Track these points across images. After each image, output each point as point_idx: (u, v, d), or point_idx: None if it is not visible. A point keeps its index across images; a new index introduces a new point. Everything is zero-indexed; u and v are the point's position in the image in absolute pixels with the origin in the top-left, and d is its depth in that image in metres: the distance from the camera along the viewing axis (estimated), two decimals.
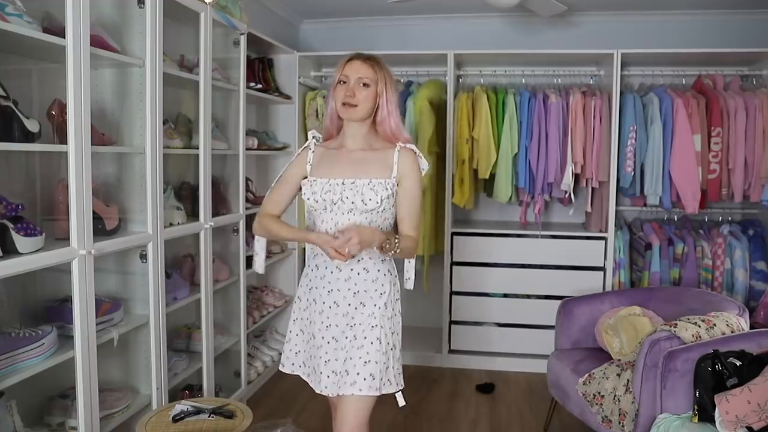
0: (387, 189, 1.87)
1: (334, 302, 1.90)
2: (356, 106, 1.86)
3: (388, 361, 1.88)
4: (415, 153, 1.94)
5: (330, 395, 1.91)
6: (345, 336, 1.89)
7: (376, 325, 1.87)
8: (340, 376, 1.86)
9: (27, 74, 2.09)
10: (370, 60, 1.90)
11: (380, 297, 1.90)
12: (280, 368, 2.07)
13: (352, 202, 1.85)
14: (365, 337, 1.87)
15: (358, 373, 1.84)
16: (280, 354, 3.82)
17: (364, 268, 1.90)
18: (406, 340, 2.24)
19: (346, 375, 1.85)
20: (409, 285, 2.13)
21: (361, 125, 1.91)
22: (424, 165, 1.96)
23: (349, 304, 1.89)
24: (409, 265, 2.11)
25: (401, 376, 1.94)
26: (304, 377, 2.00)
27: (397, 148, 1.92)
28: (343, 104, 1.86)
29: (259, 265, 2.16)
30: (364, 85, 1.86)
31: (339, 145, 1.96)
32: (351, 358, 1.86)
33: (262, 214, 2.01)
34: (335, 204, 1.86)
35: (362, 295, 1.89)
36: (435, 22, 4.29)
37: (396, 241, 1.85)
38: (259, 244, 2.13)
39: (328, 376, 1.89)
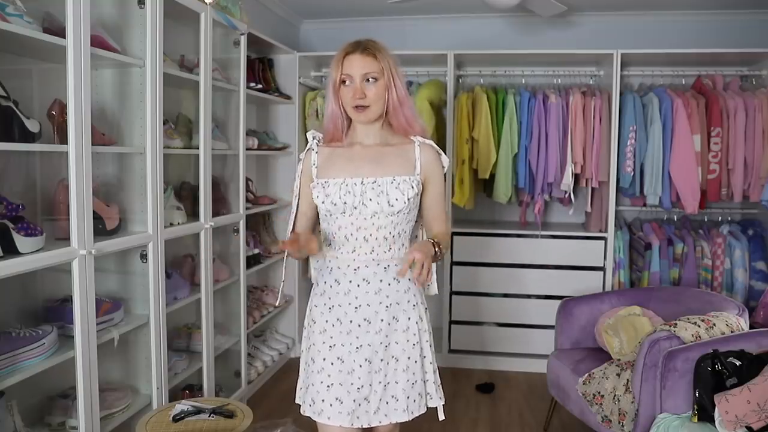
0: (413, 187, 1.70)
1: (365, 319, 1.72)
2: (369, 106, 1.68)
3: (427, 375, 1.79)
4: (435, 149, 1.79)
5: (365, 425, 1.73)
6: (380, 358, 1.72)
7: (417, 343, 1.75)
8: (383, 403, 1.71)
9: (27, 74, 2.09)
10: (368, 50, 1.68)
11: (413, 309, 1.76)
12: (316, 418, 1.74)
13: (377, 204, 1.67)
14: (408, 357, 1.73)
15: (408, 397, 1.72)
16: (281, 354, 3.87)
17: (394, 278, 1.73)
18: None
19: (395, 402, 1.71)
20: (433, 290, 1.91)
21: (374, 121, 1.74)
22: (445, 161, 1.81)
23: (382, 320, 1.72)
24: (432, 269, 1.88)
25: (440, 387, 1.83)
26: (346, 421, 1.70)
27: (416, 143, 1.76)
28: (354, 108, 1.68)
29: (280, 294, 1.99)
30: (372, 79, 1.67)
31: (350, 143, 1.77)
32: (397, 382, 1.72)
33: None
34: (356, 208, 1.68)
35: (395, 309, 1.73)
36: (435, 22, 4.29)
37: (438, 246, 1.69)
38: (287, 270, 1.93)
39: (360, 405, 1.70)
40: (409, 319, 1.76)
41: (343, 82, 1.69)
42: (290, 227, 1.84)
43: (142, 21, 2.25)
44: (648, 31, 4.05)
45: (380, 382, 1.72)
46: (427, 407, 1.80)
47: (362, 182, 1.69)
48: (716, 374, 2.12)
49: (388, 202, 1.67)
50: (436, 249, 1.68)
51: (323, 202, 1.70)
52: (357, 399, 1.71)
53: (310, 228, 1.85)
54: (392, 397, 1.73)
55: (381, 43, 1.73)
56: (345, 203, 1.68)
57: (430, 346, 1.81)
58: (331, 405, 1.71)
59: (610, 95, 3.65)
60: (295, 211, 1.83)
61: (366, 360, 1.72)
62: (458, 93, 3.90)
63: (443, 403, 1.82)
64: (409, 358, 1.74)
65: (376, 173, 1.70)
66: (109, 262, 2.33)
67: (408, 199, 1.69)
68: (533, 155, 3.71)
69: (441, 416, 1.81)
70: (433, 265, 1.87)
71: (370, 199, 1.67)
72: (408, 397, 1.73)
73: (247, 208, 3.24)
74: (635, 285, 3.79)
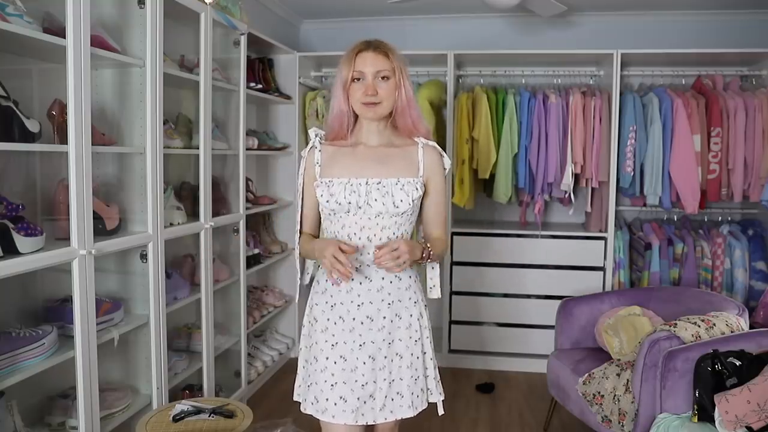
0: (417, 189, 1.72)
1: (367, 317, 1.73)
2: (380, 103, 1.69)
3: (428, 370, 1.80)
4: (438, 151, 1.80)
5: (370, 422, 1.73)
6: (384, 356, 1.73)
7: (418, 339, 1.77)
8: (388, 400, 1.72)
9: (27, 74, 2.09)
10: (381, 48, 1.70)
11: (414, 306, 1.78)
12: (320, 416, 1.73)
13: (383, 204, 1.69)
14: (411, 354, 1.75)
15: (412, 393, 1.74)
16: (281, 354, 3.86)
17: (396, 276, 1.75)
18: None
19: (400, 398, 1.73)
20: (435, 293, 1.91)
21: (381, 120, 1.75)
22: (447, 163, 1.82)
23: (384, 317, 1.74)
24: (433, 272, 1.89)
25: (440, 383, 1.84)
26: (350, 419, 1.70)
27: (420, 144, 1.77)
28: (364, 104, 1.69)
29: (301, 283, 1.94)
30: (384, 78, 1.69)
31: (354, 143, 1.78)
32: (402, 379, 1.74)
33: (302, 236, 1.85)
34: (360, 207, 1.69)
35: (397, 306, 1.75)
36: (435, 22, 4.29)
37: (428, 248, 1.73)
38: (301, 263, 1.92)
39: (365, 402, 1.71)
40: (411, 316, 1.77)
41: (355, 79, 1.70)
42: (298, 225, 1.87)
43: (142, 21, 2.25)
44: (648, 31, 4.05)
45: (385, 380, 1.73)
46: (428, 402, 1.81)
47: (367, 183, 1.70)
48: (716, 374, 2.12)
49: (393, 203, 1.69)
50: (424, 254, 1.72)
51: (327, 201, 1.71)
52: (362, 397, 1.72)
53: (317, 225, 1.87)
54: (397, 393, 1.74)
55: (391, 44, 1.75)
56: (350, 203, 1.69)
57: (430, 342, 1.83)
58: (335, 404, 1.71)
59: (610, 95, 3.64)
60: (300, 210, 1.86)
61: (369, 357, 1.73)
62: (458, 93, 3.90)
63: (443, 398, 1.84)
64: (411, 354, 1.76)
65: (380, 174, 1.72)
66: (109, 262, 2.33)
67: (412, 201, 1.71)
68: (533, 155, 3.71)
69: (441, 411, 1.83)
70: (437, 268, 1.89)
71: (375, 200, 1.69)
72: (412, 393, 1.75)
73: (247, 208, 3.24)
74: (635, 285, 3.79)
